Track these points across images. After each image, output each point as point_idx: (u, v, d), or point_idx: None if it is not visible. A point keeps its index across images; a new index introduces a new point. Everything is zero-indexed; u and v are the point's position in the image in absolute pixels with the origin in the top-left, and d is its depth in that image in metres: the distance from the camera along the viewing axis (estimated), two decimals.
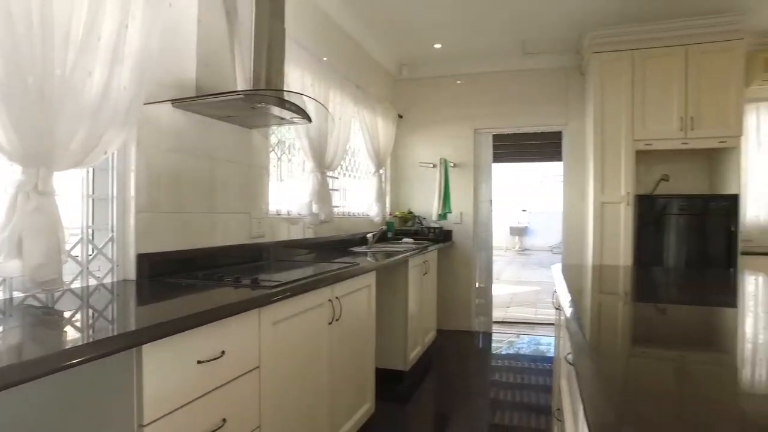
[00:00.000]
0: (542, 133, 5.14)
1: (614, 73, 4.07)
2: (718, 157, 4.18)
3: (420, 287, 3.84)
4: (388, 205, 5.01)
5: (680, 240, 3.99)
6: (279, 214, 2.94)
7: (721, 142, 3.88)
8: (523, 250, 15.22)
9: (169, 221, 2.01)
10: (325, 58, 3.40)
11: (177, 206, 2.05)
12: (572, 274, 2.34)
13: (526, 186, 15.88)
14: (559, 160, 4.96)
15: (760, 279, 2.23)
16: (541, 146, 8.74)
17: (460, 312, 5.05)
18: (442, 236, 4.86)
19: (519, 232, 15.54)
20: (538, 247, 15.41)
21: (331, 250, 3.46)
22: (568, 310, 1.39)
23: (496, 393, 3.49)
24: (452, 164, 5.01)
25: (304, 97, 2.69)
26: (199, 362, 1.32)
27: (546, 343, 4.73)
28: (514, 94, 4.90)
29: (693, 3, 3.66)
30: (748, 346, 1.13)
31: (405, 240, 4.52)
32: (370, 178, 4.41)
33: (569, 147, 4.78)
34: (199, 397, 1.32)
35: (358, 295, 2.53)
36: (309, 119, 2.39)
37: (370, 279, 2.68)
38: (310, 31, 3.29)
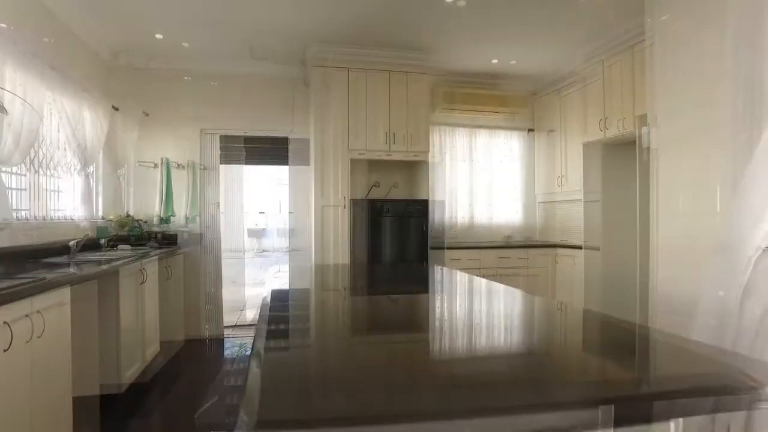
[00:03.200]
0: (273, 137, 5.28)
1: (333, 88, 4.47)
2: (416, 168, 5.01)
3: (136, 298, 3.51)
4: (100, 208, 4.42)
5: (390, 238, 4.63)
6: None
7: (415, 156, 4.65)
8: (262, 252, 15.39)
9: None
10: (3, 25, 2.81)
11: None
12: (293, 274, 2.48)
13: (267, 188, 16.10)
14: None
15: (444, 269, 2.75)
16: (274, 150, 8.96)
17: (189, 320, 4.80)
18: (165, 241, 4.55)
19: (257, 234, 15.65)
20: (277, 248, 15.77)
21: (18, 263, 2.86)
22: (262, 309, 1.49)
23: (224, 398, 3.44)
24: (176, 165, 4.73)
25: None
26: None
27: None
28: (243, 98, 4.92)
29: (392, 38, 4.31)
30: (437, 323, 1.39)
31: (121, 247, 4.06)
32: (75, 177, 3.83)
33: (295, 153, 5.05)
34: None
35: (44, 316, 2.16)
36: None
37: (63, 296, 2.31)
38: None
